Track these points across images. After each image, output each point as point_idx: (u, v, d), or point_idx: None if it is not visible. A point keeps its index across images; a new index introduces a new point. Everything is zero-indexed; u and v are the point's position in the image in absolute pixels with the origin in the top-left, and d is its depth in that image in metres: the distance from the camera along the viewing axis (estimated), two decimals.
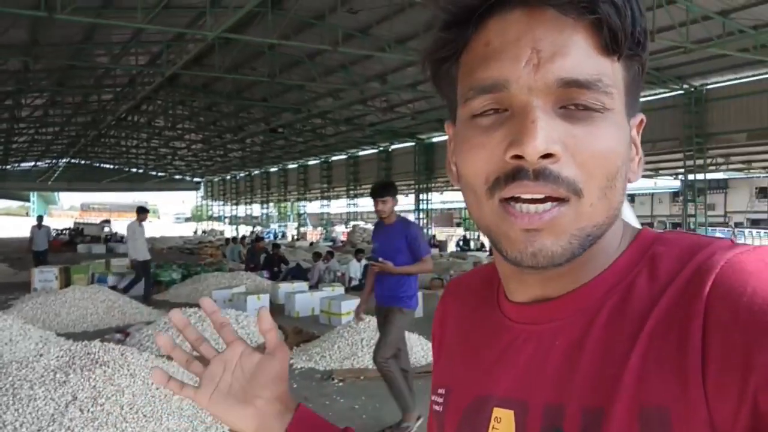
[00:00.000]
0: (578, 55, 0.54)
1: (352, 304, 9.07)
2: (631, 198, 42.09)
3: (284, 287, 11.88)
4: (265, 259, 16.33)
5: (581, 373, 0.56)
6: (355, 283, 13.73)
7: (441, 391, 0.72)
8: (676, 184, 35.51)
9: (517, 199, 0.55)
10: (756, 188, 33.52)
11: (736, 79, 18.04)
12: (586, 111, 0.55)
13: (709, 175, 22.26)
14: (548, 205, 0.54)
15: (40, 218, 16.85)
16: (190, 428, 4.92)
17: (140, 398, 4.99)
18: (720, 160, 22.78)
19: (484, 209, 0.58)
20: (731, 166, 25.39)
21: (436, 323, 0.82)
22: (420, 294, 6.67)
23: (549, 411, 0.57)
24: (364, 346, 7.15)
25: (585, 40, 0.55)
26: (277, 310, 10.60)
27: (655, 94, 19.71)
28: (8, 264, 18.91)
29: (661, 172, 28.48)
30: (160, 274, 14.57)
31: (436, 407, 0.72)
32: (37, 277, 13.33)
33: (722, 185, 33.59)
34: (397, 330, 4.81)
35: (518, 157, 0.53)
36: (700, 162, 19.92)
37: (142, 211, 12.43)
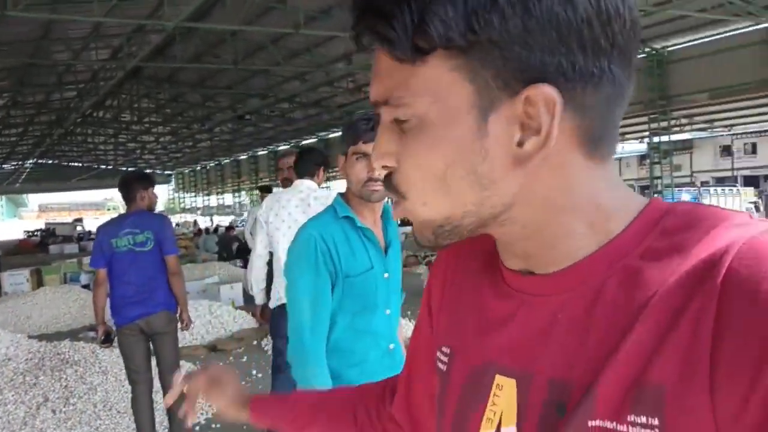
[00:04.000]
0: (381, 75, 0.59)
1: None
2: None
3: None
4: (237, 248, 16.26)
5: (586, 348, 0.56)
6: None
7: (445, 350, 0.73)
8: (642, 147, 35.92)
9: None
10: (720, 146, 34.08)
11: (695, 39, 18.24)
12: (404, 124, 0.58)
13: (674, 137, 22.56)
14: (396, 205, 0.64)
15: None
16: (165, 421, 4.94)
17: (113, 395, 5.03)
18: (684, 120, 23.09)
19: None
20: (695, 126, 25.75)
21: (438, 278, 0.82)
22: None
23: (554, 385, 0.58)
24: None
25: (386, 57, 0.57)
26: (250, 298, 10.60)
27: None
28: None
29: (627, 136, 28.78)
30: None
31: (441, 365, 0.74)
32: (7, 281, 13.16)
33: (687, 145, 33.99)
34: None
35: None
36: (664, 124, 20.20)
37: None
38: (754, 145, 32.46)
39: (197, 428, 4.94)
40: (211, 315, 8.24)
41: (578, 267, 0.59)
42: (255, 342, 7.53)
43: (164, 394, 4.08)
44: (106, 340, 4.17)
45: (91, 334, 8.41)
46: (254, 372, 6.31)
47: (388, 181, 0.62)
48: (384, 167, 0.62)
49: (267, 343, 7.18)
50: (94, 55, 20.20)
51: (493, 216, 0.60)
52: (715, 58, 17.65)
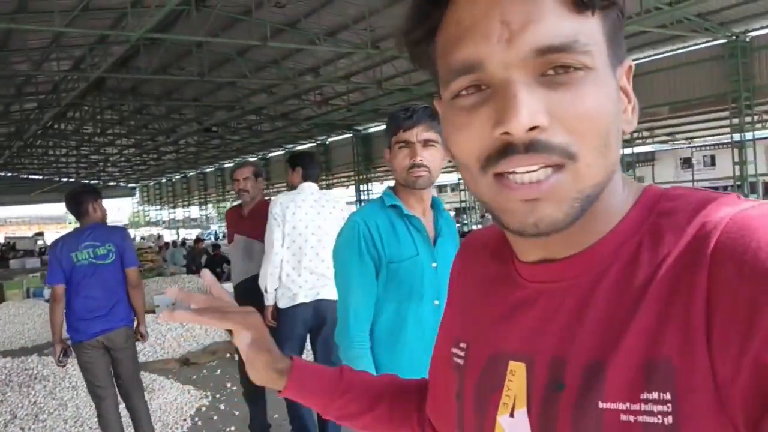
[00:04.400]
0: (549, 19, 0.54)
1: None
2: None
3: (228, 287, 11.75)
4: (206, 260, 16.08)
5: (587, 328, 0.58)
6: None
7: (462, 345, 0.74)
8: None
9: (510, 173, 0.55)
10: (680, 159, 34.87)
11: (656, 54, 18.68)
12: (567, 74, 0.54)
13: (637, 149, 23.05)
14: (542, 173, 0.55)
15: None
16: None
17: (84, 410, 4.92)
18: (646, 133, 23.60)
19: (480, 185, 0.59)
20: (657, 139, 26.33)
21: (454, 275, 0.84)
22: None
23: (554, 364, 0.60)
24: None
25: (554, 2, 0.54)
26: None
27: None
28: None
29: None
30: None
31: (457, 360, 0.75)
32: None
33: (649, 158, 34.72)
34: None
35: (506, 133, 0.54)
36: (627, 137, 20.58)
37: None
38: (713, 158, 33.31)
39: (186, 429, 4.85)
40: (183, 328, 8.12)
41: (591, 251, 0.61)
42: (228, 355, 7.44)
43: (127, 407, 4.03)
44: (65, 356, 4.04)
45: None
46: (228, 385, 6.23)
47: (537, 146, 0.54)
48: (534, 128, 0.54)
49: (239, 357, 7.11)
50: (55, 66, 19.87)
51: (604, 188, 0.59)
52: (675, 72, 18.11)
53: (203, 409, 5.58)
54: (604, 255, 0.60)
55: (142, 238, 46.94)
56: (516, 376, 0.64)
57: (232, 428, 5.04)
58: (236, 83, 21.70)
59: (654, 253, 0.57)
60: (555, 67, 0.54)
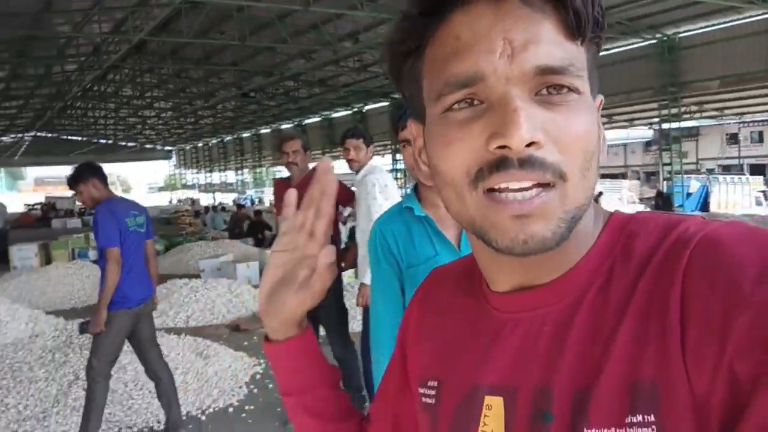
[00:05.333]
0: (549, 42, 0.55)
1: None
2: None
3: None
4: (248, 226, 16.20)
5: (569, 356, 0.57)
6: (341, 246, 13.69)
7: (432, 383, 0.71)
8: (648, 133, 35.79)
9: (502, 189, 0.55)
10: (726, 134, 33.92)
11: (707, 26, 18.08)
12: (560, 95, 0.55)
13: (682, 124, 22.46)
14: (534, 191, 0.54)
15: None
16: (197, 401, 4.91)
17: (143, 374, 4.94)
18: (693, 108, 22.99)
19: (466, 202, 0.58)
20: (704, 114, 25.65)
21: (412, 314, 0.81)
22: None
23: (538, 395, 0.58)
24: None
25: (552, 27, 0.55)
26: None
27: (629, 45, 19.71)
28: None
29: (635, 122, 28.69)
30: None
31: (427, 400, 0.71)
32: (15, 255, 13.07)
33: (694, 133, 33.86)
34: None
35: (502, 147, 0.53)
36: (674, 111, 20.08)
37: None
38: (760, 134, 32.35)
39: (242, 396, 4.88)
40: (231, 294, 8.16)
41: (566, 277, 0.61)
42: None
43: (149, 370, 4.19)
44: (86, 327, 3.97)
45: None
46: None
47: (533, 162, 0.54)
48: (531, 144, 0.53)
49: None
50: (96, 28, 19.95)
51: (585, 210, 0.59)
52: (727, 45, 17.53)
53: (257, 376, 5.61)
54: (579, 280, 0.60)
55: (179, 201, 47.66)
56: (492, 410, 0.63)
57: None
58: (275, 48, 21.58)
59: (627, 275, 0.57)
60: (549, 87, 0.55)
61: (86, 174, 3.99)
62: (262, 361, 6.00)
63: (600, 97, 0.64)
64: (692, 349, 0.50)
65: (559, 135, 0.55)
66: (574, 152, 0.55)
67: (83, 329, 4.00)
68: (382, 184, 4.00)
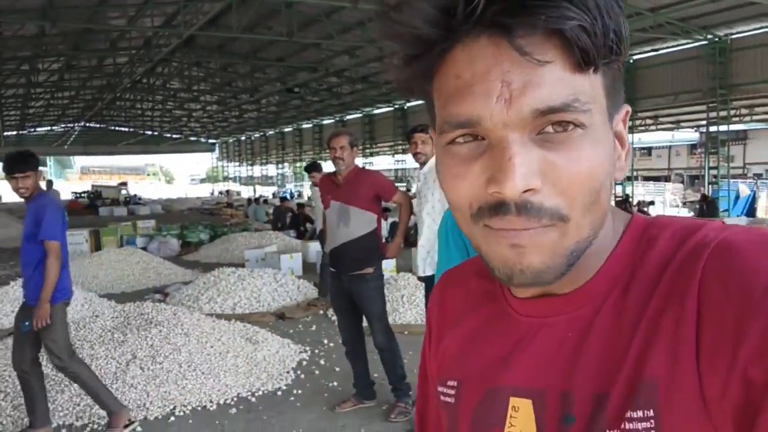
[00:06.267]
0: (551, 81, 0.52)
1: (386, 262, 9.17)
2: (648, 152, 41.67)
3: (315, 246, 12.00)
4: (291, 218, 16.47)
5: (589, 360, 0.59)
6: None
7: (452, 383, 0.73)
8: (693, 136, 35.03)
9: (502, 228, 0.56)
10: None
11: (761, 27, 17.67)
12: (565, 132, 0.54)
13: (731, 127, 21.98)
14: (533, 231, 0.55)
15: (49, 183, 16.72)
16: (247, 384, 5.07)
17: (196, 356, 5.15)
18: (744, 111, 22.48)
19: (471, 230, 0.59)
20: (755, 117, 25.04)
21: (433, 314, 0.82)
22: None
23: (564, 398, 0.60)
24: (405, 302, 7.28)
25: (555, 62, 0.53)
26: (308, 268, 10.75)
27: (678, 45, 19.38)
28: None
29: (682, 124, 28.15)
30: (188, 235, 14.77)
31: (447, 399, 0.73)
32: (68, 240, 13.54)
33: (741, 136, 33.12)
34: None
35: (499, 192, 0.54)
36: (723, 113, 19.67)
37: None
38: None
39: (290, 381, 5.02)
40: (277, 283, 8.36)
41: (591, 284, 0.62)
42: (321, 312, 7.65)
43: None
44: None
45: (157, 296, 8.64)
46: (325, 341, 6.42)
47: (529, 208, 0.54)
48: (529, 191, 0.53)
49: (333, 313, 7.28)
50: (148, 21, 20.44)
51: (592, 240, 0.59)
52: None
53: (304, 363, 5.77)
54: (600, 289, 0.61)
55: (220, 193, 48.42)
56: (520, 412, 0.64)
57: (335, 383, 5.19)
58: (321, 44, 21.79)
59: (645, 281, 0.59)
60: (553, 124, 0.54)
61: (36, 162, 3.98)
62: (308, 348, 6.17)
63: (625, 109, 0.62)
64: (706, 352, 0.51)
65: (559, 177, 0.54)
66: (574, 193, 0.55)
67: (27, 327, 3.92)
68: None
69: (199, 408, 4.68)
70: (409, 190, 25.32)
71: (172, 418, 4.52)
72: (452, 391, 0.72)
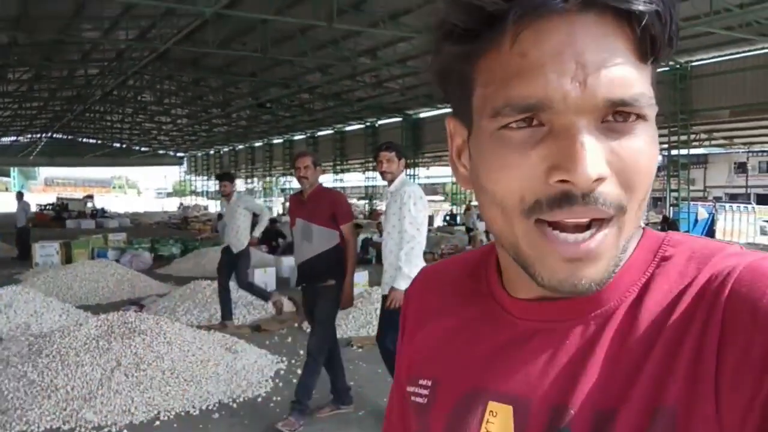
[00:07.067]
0: (623, 68, 0.50)
1: (360, 276, 9.42)
2: None
3: (288, 261, 12.16)
4: (263, 234, 16.53)
5: (592, 375, 0.56)
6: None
7: (424, 382, 0.69)
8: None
9: (557, 224, 0.52)
10: (734, 163, 34.28)
11: (720, 56, 18.46)
12: (625, 123, 0.52)
13: (691, 151, 22.79)
14: (588, 233, 0.52)
15: (19, 194, 16.58)
16: (228, 390, 5.26)
17: (179, 364, 5.31)
18: (703, 136, 23.31)
19: (515, 228, 0.55)
20: (714, 142, 25.97)
21: (408, 310, 0.79)
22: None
23: (557, 411, 0.56)
24: (377, 315, 7.50)
25: (626, 49, 0.51)
26: (282, 283, 10.92)
27: None
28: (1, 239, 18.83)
29: None
30: (159, 249, 14.82)
31: (418, 399, 0.69)
32: (38, 252, 13.51)
33: (702, 160, 34.22)
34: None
35: (566, 182, 0.50)
36: (684, 138, 20.42)
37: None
38: None
39: (269, 388, 5.19)
40: (252, 297, 8.53)
41: (599, 294, 0.57)
42: (296, 325, 7.84)
43: None
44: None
45: (133, 307, 8.73)
46: (301, 352, 6.59)
47: (597, 198, 0.51)
48: (598, 180, 0.50)
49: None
50: (123, 34, 20.45)
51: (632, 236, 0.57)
52: (739, 75, 17.91)
53: (281, 372, 5.97)
54: (609, 297, 0.58)
55: (187, 207, 48.09)
56: (498, 418, 0.60)
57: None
58: (294, 61, 22.03)
59: (661, 299, 0.56)
60: (615, 113, 0.51)
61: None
62: (284, 358, 6.37)
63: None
64: (727, 379, 0.49)
65: (623, 167, 0.51)
66: (634, 186, 0.52)
67: None
68: (417, 196, 4.33)
69: (183, 413, 4.85)
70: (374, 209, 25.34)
71: (157, 422, 4.68)
72: (424, 391, 0.69)
